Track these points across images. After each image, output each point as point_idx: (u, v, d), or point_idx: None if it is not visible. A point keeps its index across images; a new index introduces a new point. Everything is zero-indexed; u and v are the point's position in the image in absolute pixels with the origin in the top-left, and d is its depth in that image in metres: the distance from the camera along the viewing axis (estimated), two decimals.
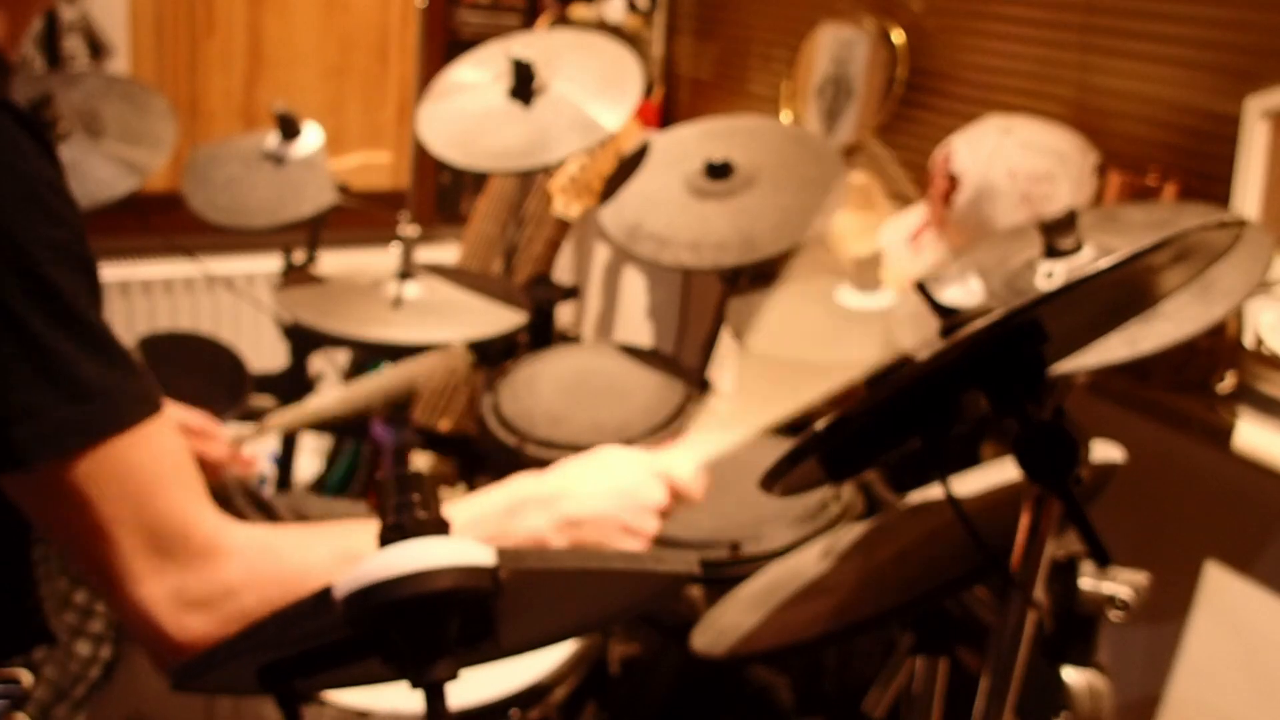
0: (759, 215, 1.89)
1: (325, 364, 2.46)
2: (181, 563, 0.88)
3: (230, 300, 2.85)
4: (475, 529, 1.01)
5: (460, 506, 1.04)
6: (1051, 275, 1.36)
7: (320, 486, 2.54)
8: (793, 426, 1.18)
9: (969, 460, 1.71)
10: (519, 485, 1.09)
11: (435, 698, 0.74)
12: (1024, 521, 0.95)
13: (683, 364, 1.95)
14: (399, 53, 3.04)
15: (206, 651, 0.75)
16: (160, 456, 0.89)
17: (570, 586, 0.84)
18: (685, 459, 1.15)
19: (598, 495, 1.08)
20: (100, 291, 0.90)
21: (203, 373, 1.97)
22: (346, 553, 0.94)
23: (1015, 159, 1.81)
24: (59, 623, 1.07)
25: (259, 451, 1.79)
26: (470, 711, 1.18)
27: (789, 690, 1.80)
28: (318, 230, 2.21)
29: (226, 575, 0.90)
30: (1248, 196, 1.66)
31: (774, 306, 1.86)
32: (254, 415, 2.08)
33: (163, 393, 0.92)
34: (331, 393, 1.14)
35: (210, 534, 0.90)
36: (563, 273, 3.17)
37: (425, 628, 0.73)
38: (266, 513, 1.45)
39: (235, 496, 1.45)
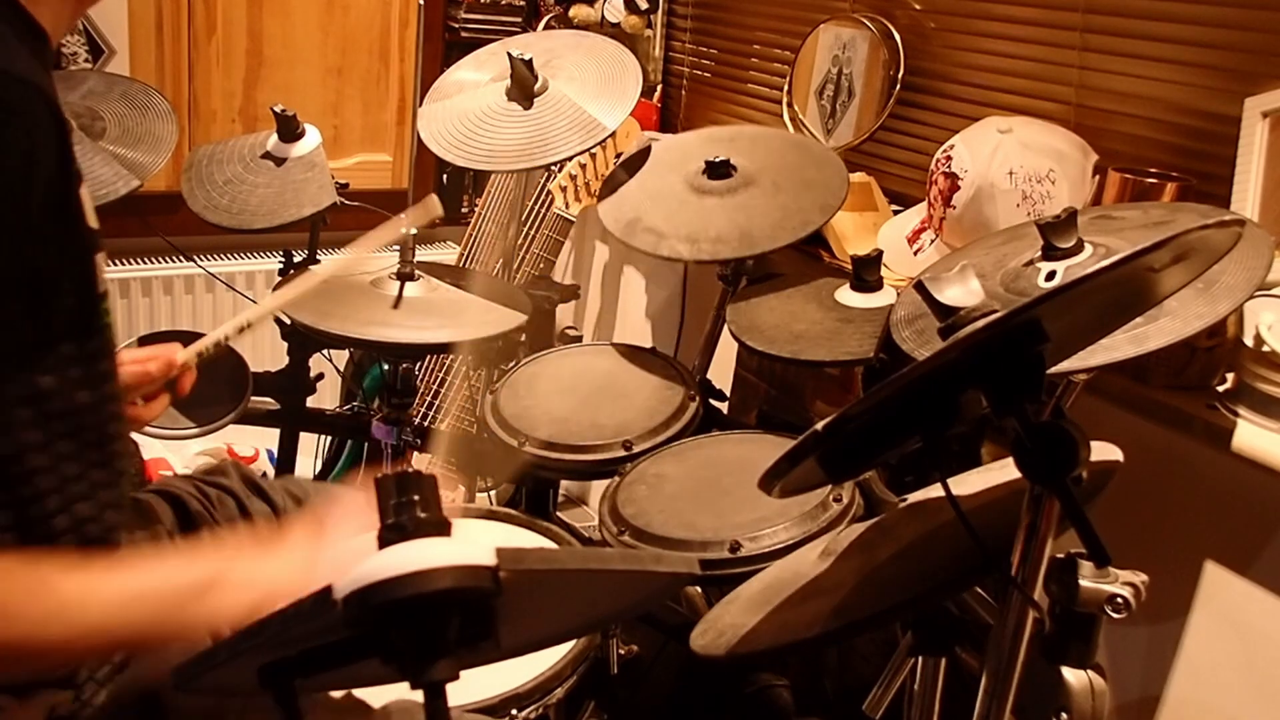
0: (758, 212, 1.89)
1: (325, 364, 2.46)
2: None
3: (230, 300, 2.85)
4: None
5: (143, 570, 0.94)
6: (1051, 275, 1.36)
7: None
8: None
9: (969, 460, 1.71)
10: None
11: (435, 698, 0.74)
12: (1024, 521, 0.95)
13: (683, 364, 1.95)
14: (399, 53, 3.04)
15: (206, 651, 0.74)
16: None
17: (570, 586, 0.84)
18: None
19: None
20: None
21: (203, 372, 1.96)
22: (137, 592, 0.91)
23: (1015, 159, 1.81)
24: None
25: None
26: (470, 711, 1.18)
27: (789, 690, 1.81)
28: (317, 230, 2.21)
29: None
30: (1247, 196, 1.66)
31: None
32: (256, 416, 2.08)
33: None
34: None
35: None
36: (562, 273, 3.17)
37: (425, 628, 0.73)
38: (263, 497, 1.44)
39: (233, 481, 1.44)
